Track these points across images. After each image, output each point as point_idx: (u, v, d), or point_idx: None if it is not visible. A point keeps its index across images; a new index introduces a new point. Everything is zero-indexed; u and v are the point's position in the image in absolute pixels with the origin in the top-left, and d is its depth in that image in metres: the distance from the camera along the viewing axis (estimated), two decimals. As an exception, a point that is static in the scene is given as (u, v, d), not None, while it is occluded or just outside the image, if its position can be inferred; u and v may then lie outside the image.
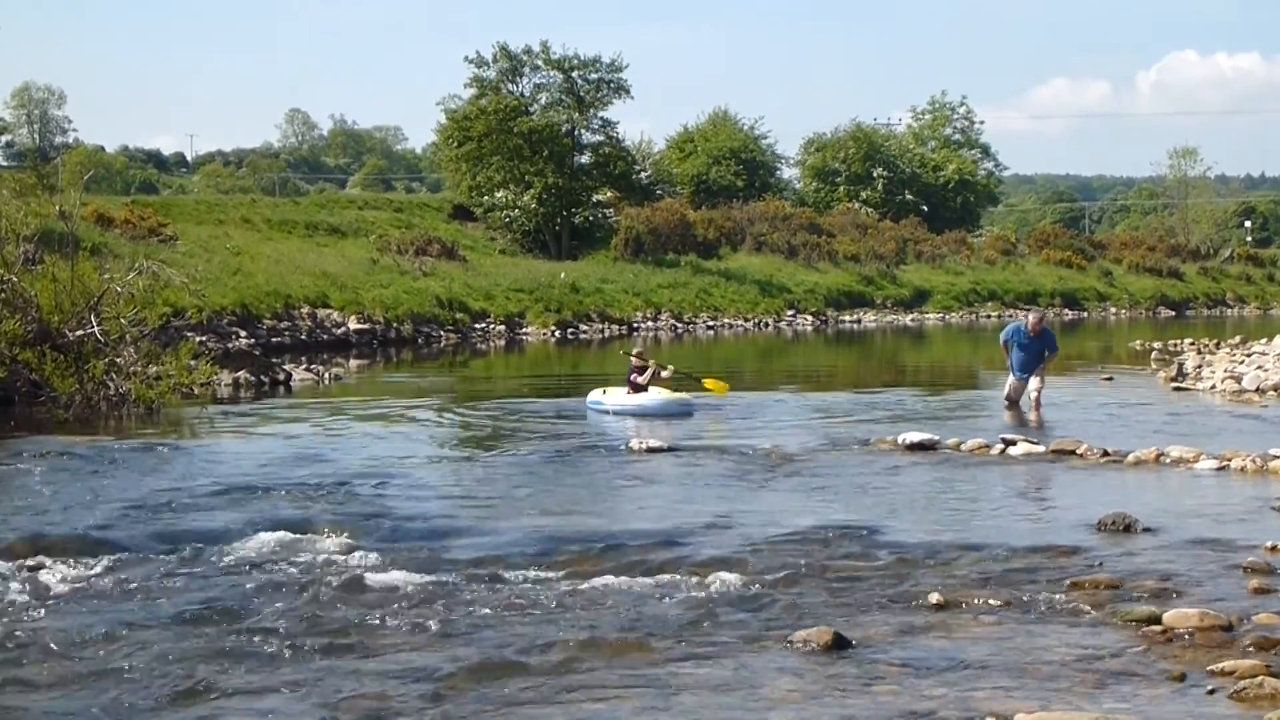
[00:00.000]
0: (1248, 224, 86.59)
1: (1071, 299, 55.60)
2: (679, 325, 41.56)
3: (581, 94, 50.25)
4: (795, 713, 5.46)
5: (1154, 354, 27.19)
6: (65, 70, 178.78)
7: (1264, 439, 12.61)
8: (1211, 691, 5.56)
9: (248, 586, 7.43)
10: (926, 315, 50.10)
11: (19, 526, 9.02)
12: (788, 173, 71.83)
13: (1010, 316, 45.14)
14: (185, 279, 20.19)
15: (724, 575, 7.57)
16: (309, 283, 33.81)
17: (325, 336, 31.69)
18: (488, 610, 6.96)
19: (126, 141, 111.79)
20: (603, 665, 6.06)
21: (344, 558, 8.10)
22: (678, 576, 7.63)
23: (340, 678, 5.90)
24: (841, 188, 67.95)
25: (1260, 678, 5.51)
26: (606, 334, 38.38)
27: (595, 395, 16.87)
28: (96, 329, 16.93)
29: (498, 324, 37.02)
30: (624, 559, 8.07)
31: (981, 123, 73.31)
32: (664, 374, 16.78)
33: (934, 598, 7.04)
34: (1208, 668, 5.82)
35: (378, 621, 6.73)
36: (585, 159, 51.32)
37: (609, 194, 51.54)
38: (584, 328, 38.78)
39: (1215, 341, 29.47)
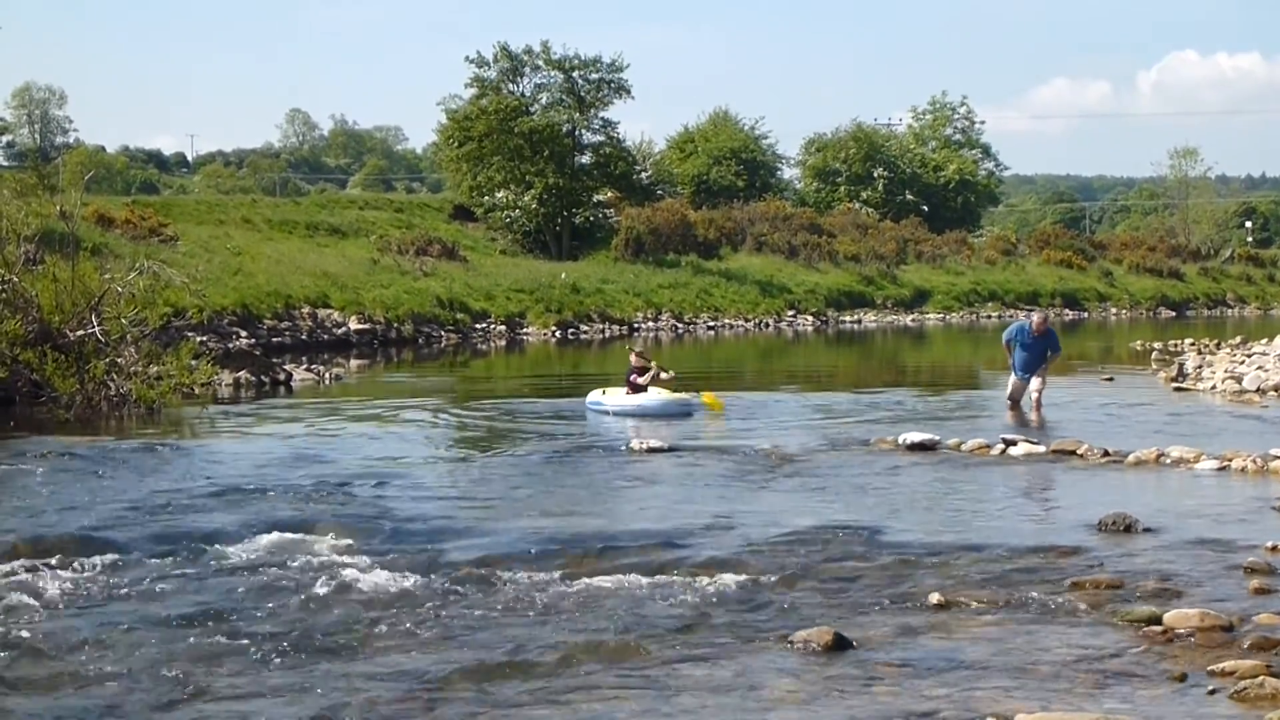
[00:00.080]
0: (1248, 224, 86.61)
1: (1072, 299, 55.60)
2: (679, 326, 41.56)
3: (582, 94, 50.25)
4: (795, 713, 5.46)
5: (1154, 354, 27.19)
6: (66, 70, 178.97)
7: (1264, 439, 12.61)
8: (1212, 692, 5.56)
9: (247, 588, 7.43)
10: (927, 315, 50.10)
11: (19, 527, 9.02)
12: (788, 173, 71.95)
13: (1011, 317, 45.15)
14: (186, 279, 20.20)
15: (724, 576, 7.57)
16: (309, 283, 33.82)
17: (326, 337, 31.71)
18: (487, 611, 6.96)
19: (127, 142, 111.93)
20: (603, 666, 6.06)
21: (343, 559, 8.10)
22: (678, 577, 7.62)
23: (339, 679, 5.89)
24: (842, 188, 67.94)
25: (1261, 678, 5.51)
26: (607, 334, 38.39)
27: (595, 396, 16.87)
28: (97, 329, 16.94)
29: (498, 324, 37.03)
30: (624, 559, 8.07)
31: (982, 123, 73.40)
32: (664, 376, 16.75)
33: (934, 598, 7.04)
34: (1208, 668, 5.82)
35: (377, 623, 6.73)
36: (586, 159, 51.32)
37: (609, 194, 51.54)
38: (584, 328, 38.79)
39: (1216, 342, 29.46)
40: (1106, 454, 11.97)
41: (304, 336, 31.02)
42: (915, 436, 12.90)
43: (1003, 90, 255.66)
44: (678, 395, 16.45)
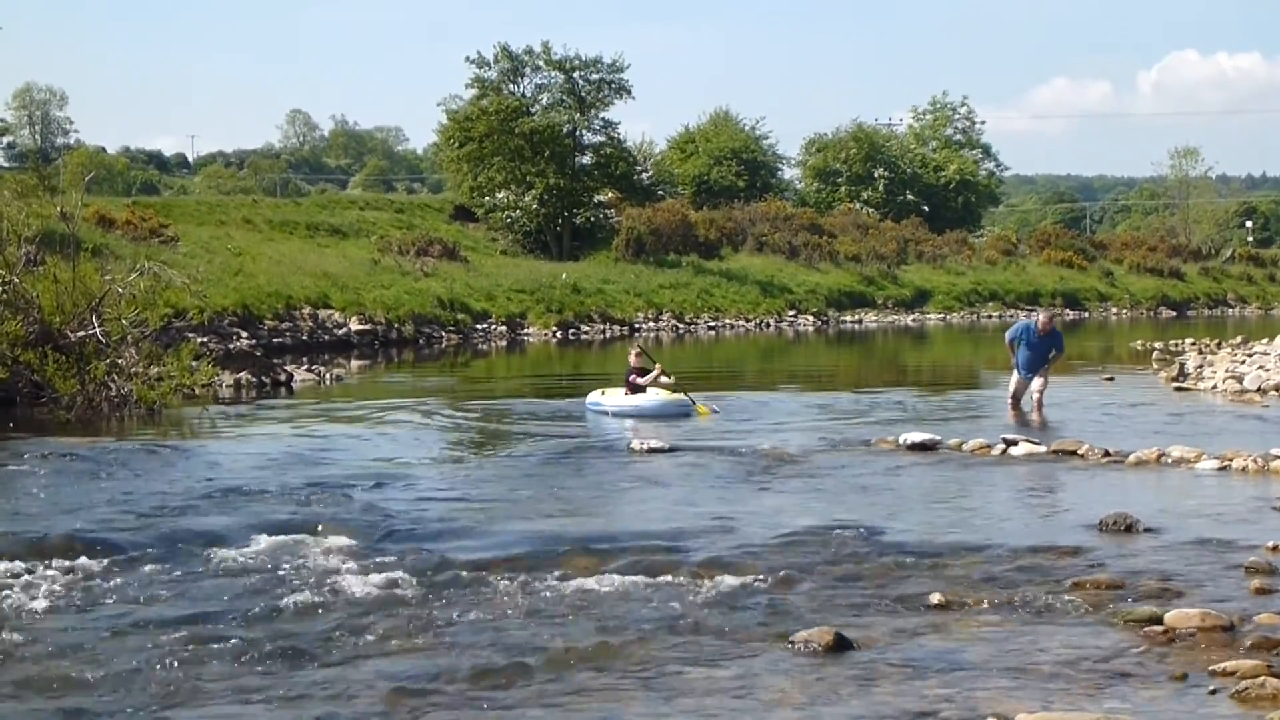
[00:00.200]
0: (1249, 224, 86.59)
1: (1072, 299, 55.59)
2: (680, 326, 41.57)
3: (583, 94, 50.23)
4: (796, 713, 5.46)
5: (1155, 354, 27.19)
6: (66, 71, 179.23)
7: (1265, 439, 12.61)
8: (1213, 692, 5.56)
9: (246, 590, 7.43)
10: (927, 315, 50.10)
11: (20, 527, 9.01)
12: (789, 173, 71.90)
13: (1012, 317, 45.14)
14: (186, 280, 20.21)
15: (724, 576, 7.57)
16: (310, 283, 33.82)
17: (326, 337, 31.71)
18: (487, 612, 6.96)
19: (128, 142, 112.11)
20: (603, 666, 6.06)
21: (343, 560, 8.10)
22: (678, 578, 7.62)
23: (337, 681, 5.89)
24: (843, 188, 67.93)
25: (1262, 678, 5.51)
26: (608, 335, 38.40)
27: (594, 396, 16.87)
28: (98, 330, 16.94)
29: (499, 325, 37.03)
30: (624, 560, 8.07)
31: (982, 123, 73.34)
32: (664, 380, 16.73)
33: (935, 598, 7.04)
34: (1209, 668, 5.81)
35: (377, 624, 6.73)
36: (586, 159, 51.30)
37: (610, 194, 51.54)
38: (585, 328, 38.79)
39: (1216, 341, 29.47)
40: (1107, 454, 11.97)
41: (305, 337, 31.02)
42: (916, 436, 12.90)
43: (1003, 90, 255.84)
44: (676, 396, 16.44)
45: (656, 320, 41.49)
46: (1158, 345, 29.48)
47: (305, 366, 23.28)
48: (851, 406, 17.61)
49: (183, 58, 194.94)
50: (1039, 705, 5.38)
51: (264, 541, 8.55)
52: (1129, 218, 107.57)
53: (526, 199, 48.61)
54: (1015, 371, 16.53)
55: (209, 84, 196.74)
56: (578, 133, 50.56)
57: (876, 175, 67.53)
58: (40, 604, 7.11)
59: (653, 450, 12.80)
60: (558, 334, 37.45)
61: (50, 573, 7.76)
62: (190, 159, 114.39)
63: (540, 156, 48.56)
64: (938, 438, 12.90)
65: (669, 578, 7.61)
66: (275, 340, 29.56)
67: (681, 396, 16.42)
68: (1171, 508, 9.53)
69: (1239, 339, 29.42)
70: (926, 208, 65.99)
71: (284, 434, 14.95)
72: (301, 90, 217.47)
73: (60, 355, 16.46)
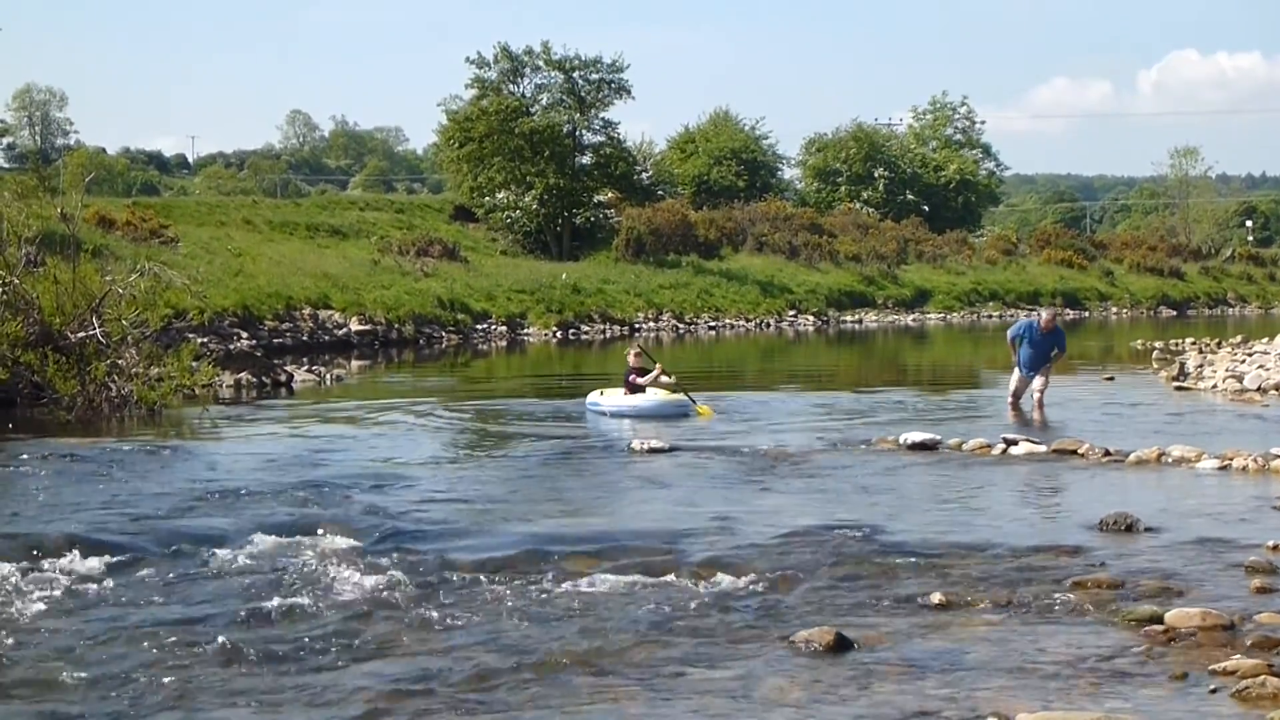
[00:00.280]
0: (1249, 223, 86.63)
1: (1073, 299, 55.60)
2: (680, 326, 41.57)
3: (583, 94, 50.25)
4: (796, 713, 5.46)
5: (1155, 353, 27.19)
6: (67, 72, 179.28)
7: (1265, 438, 12.61)
8: (1214, 691, 5.55)
9: (246, 590, 7.42)
10: (928, 315, 50.11)
11: (20, 528, 9.01)
12: (789, 173, 71.95)
13: (1012, 317, 45.14)
14: (187, 280, 20.21)
15: (725, 576, 7.57)
16: (310, 284, 33.83)
17: (327, 338, 31.72)
18: (487, 612, 6.96)
19: (128, 143, 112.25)
20: (603, 666, 6.06)
21: (343, 561, 8.09)
22: (678, 577, 7.62)
23: (338, 681, 5.89)
24: (843, 188, 67.95)
25: (1263, 677, 5.51)
26: (608, 335, 38.40)
27: (593, 397, 16.87)
28: (98, 331, 16.94)
29: (499, 325, 37.04)
30: (625, 560, 8.07)
31: (982, 123, 73.40)
32: (664, 379, 16.72)
33: (936, 598, 7.04)
34: (1210, 667, 5.81)
35: (376, 624, 6.72)
36: (586, 160, 51.32)
37: (610, 195, 51.54)
38: (585, 328, 38.80)
39: (1217, 341, 29.47)
40: (1107, 453, 11.96)
41: (305, 337, 31.03)
42: (916, 436, 12.90)
43: (1003, 90, 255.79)
44: (674, 396, 16.43)
45: (656, 320, 41.49)
46: (1158, 345, 29.49)
47: (305, 367, 23.29)
48: (852, 406, 17.61)
49: (183, 58, 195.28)
50: (1039, 705, 5.38)
51: (264, 542, 8.54)
52: (1129, 217, 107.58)
53: (526, 199, 48.62)
54: (1016, 369, 16.53)
55: (209, 84, 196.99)
56: (578, 133, 50.58)
57: (876, 175, 67.55)
58: (39, 605, 7.11)
59: (653, 450, 12.80)
60: (558, 334, 37.46)
61: (50, 573, 7.75)
62: (190, 160, 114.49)
63: (540, 156, 48.57)
64: (938, 437, 12.90)
65: (669, 578, 7.60)
66: (275, 341, 29.57)
67: (680, 396, 16.42)
68: (1172, 507, 9.53)
69: (1239, 338, 29.42)
70: (926, 207, 66.02)
71: (284, 434, 14.96)
72: (301, 91, 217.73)
73: (61, 356, 16.46)
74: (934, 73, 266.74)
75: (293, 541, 8.59)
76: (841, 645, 6.23)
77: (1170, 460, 11.59)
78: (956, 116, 72.44)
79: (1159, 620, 6.50)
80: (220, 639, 6.40)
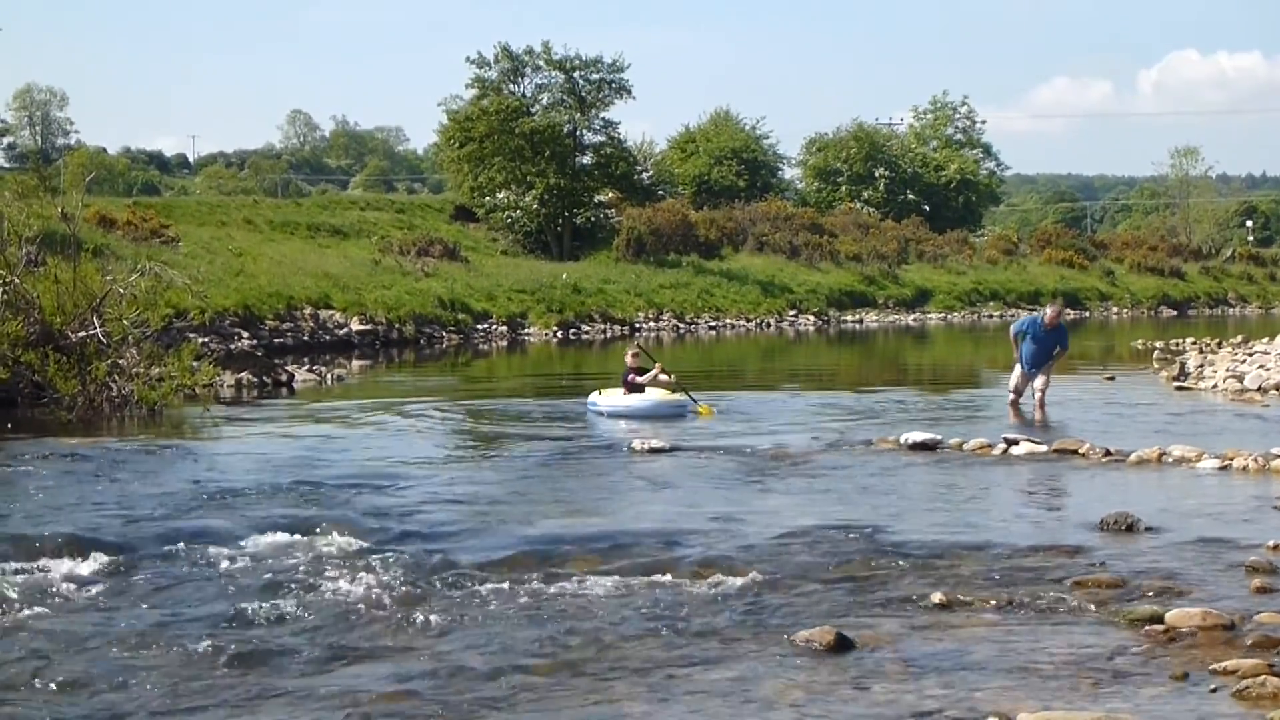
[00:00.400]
0: (1249, 223, 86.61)
1: (1073, 299, 55.52)
2: (681, 326, 41.57)
3: (583, 94, 50.25)
4: (797, 713, 5.46)
5: (1156, 353, 27.18)
6: (67, 72, 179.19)
7: (1266, 438, 12.61)
8: (1214, 690, 5.56)
9: (245, 590, 7.42)
10: (928, 315, 50.11)
11: (21, 528, 9.01)
12: (789, 173, 71.94)
13: (1013, 316, 45.13)
14: (187, 280, 20.20)
15: (725, 576, 7.57)
16: (311, 284, 33.83)
17: (327, 337, 31.72)
18: (487, 612, 6.96)
19: (128, 143, 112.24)
20: (604, 666, 6.06)
21: (343, 561, 8.10)
22: (679, 577, 7.62)
23: (338, 681, 5.90)
24: (843, 188, 67.94)
25: (1263, 677, 5.51)
26: (608, 335, 38.40)
27: (593, 397, 16.87)
28: (99, 330, 16.94)
29: (500, 325, 37.04)
30: (625, 559, 8.07)
31: (983, 122, 73.40)
32: (664, 377, 16.71)
33: (936, 597, 7.04)
34: (1210, 667, 5.81)
35: (375, 624, 6.73)
36: (587, 159, 51.32)
37: (610, 194, 51.54)
38: (586, 328, 38.80)
39: (1217, 341, 29.47)
40: (1108, 453, 11.96)
41: (306, 337, 31.03)
42: (917, 436, 12.89)
43: (1004, 90, 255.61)
44: (671, 396, 16.42)
45: (657, 320, 41.49)
46: (1158, 344, 29.47)
47: (306, 367, 23.29)
48: (852, 406, 17.61)
49: (183, 58, 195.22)
50: (1040, 705, 5.38)
51: (264, 542, 8.55)
52: (1129, 217, 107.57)
53: (527, 199, 48.63)
54: (1018, 365, 16.51)
55: (210, 84, 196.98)
56: (578, 133, 50.58)
57: (877, 175, 67.55)
58: (38, 605, 7.11)
59: (653, 450, 12.80)
60: (558, 334, 37.46)
61: (49, 573, 7.76)
62: (191, 159, 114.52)
63: (541, 156, 48.58)
64: (939, 437, 12.90)
65: (669, 578, 7.61)
66: (276, 340, 29.57)
67: (679, 396, 16.41)
68: (1172, 507, 9.53)
69: (1240, 338, 29.42)
70: (927, 207, 66.01)
71: (285, 434, 14.96)
72: (302, 90, 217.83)
73: (61, 356, 16.46)
74: (934, 72, 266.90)
75: (293, 541, 8.60)
76: (842, 645, 6.23)
77: (1171, 460, 11.59)
78: (957, 116, 72.48)
79: (1159, 620, 6.50)
80: (217, 640, 6.40)
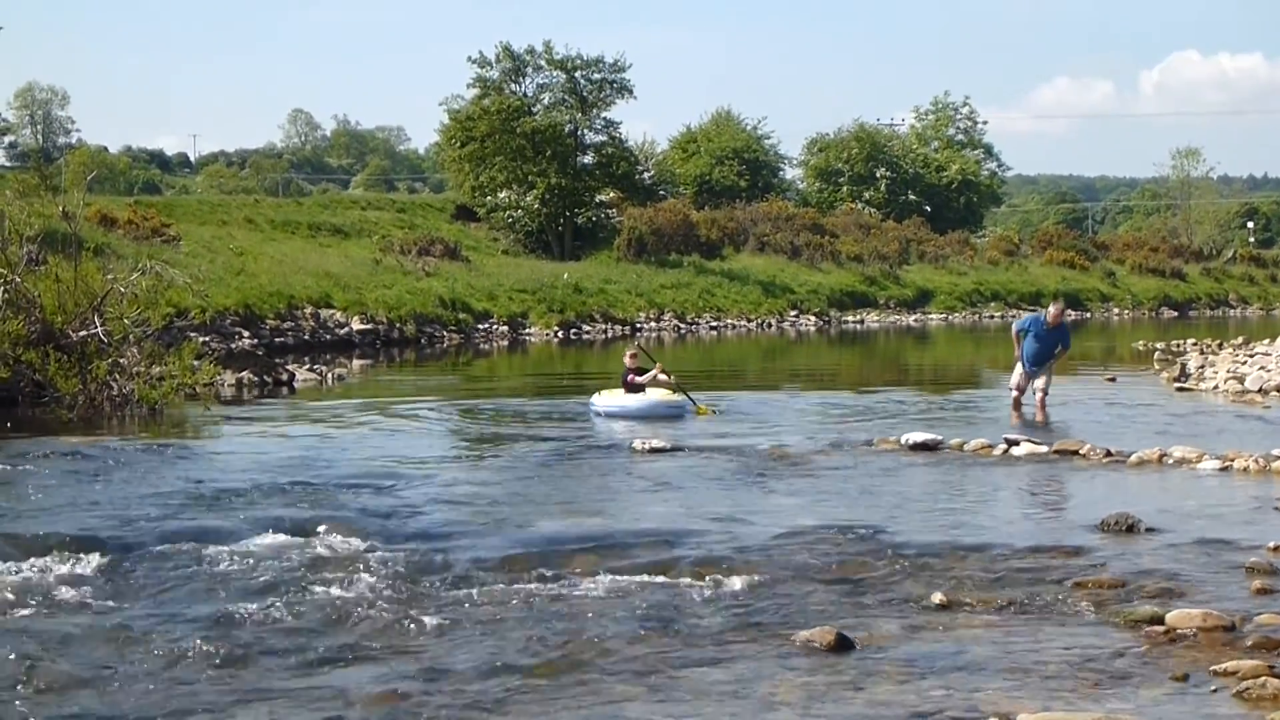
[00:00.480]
0: (1250, 225, 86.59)
1: (1075, 300, 55.51)
2: (682, 326, 41.57)
3: (584, 94, 50.27)
4: (797, 713, 5.45)
5: (1157, 354, 27.18)
6: (68, 71, 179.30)
7: (1267, 439, 12.60)
8: (1214, 691, 5.56)
9: (246, 590, 7.42)
10: (929, 316, 50.12)
11: (21, 527, 9.01)
12: (791, 173, 72.00)
13: (1014, 317, 45.14)
14: (188, 279, 20.22)
15: (725, 576, 7.57)
16: (312, 283, 33.84)
17: (328, 337, 31.72)
18: (487, 612, 6.95)
19: (130, 142, 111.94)
20: (603, 666, 6.05)
21: (343, 560, 8.09)
22: (679, 577, 7.62)
23: (337, 681, 5.89)
24: (844, 188, 67.96)
25: (1263, 678, 5.51)
26: (609, 335, 38.40)
27: (594, 397, 16.86)
28: (100, 329, 16.94)
29: (501, 324, 37.04)
30: (625, 559, 8.07)
31: (984, 123, 73.45)
32: (663, 378, 16.70)
33: (937, 598, 7.04)
34: (1210, 668, 5.81)
35: (375, 624, 6.72)
36: (588, 159, 51.34)
37: (612, 194, 51.56)
38: (587, 328, 38.80)
39: (1218, 342, 29.46)
40: (1109, 454, 11.96)
41: (307, 337, 31.04)
42: (918, 436, 12.89)
43: (1005, 90, 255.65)
44: (672, 396, 16.41)
45: (658, 320, 41.50)
46: (1159, 345, 29.47)
47: (307, 366, 23.29)
48: (853, 406, 17.61)
49: (184, 57, 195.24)
50: (1040, 705, 5.38)
51: (263, 541, 8.54)
52: (1131, 218, 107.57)
53: (528, 199, 48.64)
54: (1019, 363, 16.48)
55: (210, 83, 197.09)
56: (579, 132, 50.60)
57: (878, 175, 67.58)
58: (40, 604, 7.11)
59: (654, 450, 12.79)
60: (559, 334, 37.46)
61: (49, 573, 7.75)
62: (192, 158, 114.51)
63: (542, 156, 48.59)
64: (939, 438, 12.89)
65: (669, 578, 7.60)
66: (277, 340, 29.58)
67: (677, 397, 16.41)
68: (1173, 508, 9.52)
69: (1240, 339, 29.42)
70: (928, 208, 66.05)
71: (285, 434, 14.96)
72: (303, 90, 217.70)
73: (62, 355, 16.46)
74: (936, 73, 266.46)
75: (293, 541, 8.59)
76: (842, 645, 6.23)
77: (1171, 461, 11.58)
78: (958, 117, 72.53)
79: (1160, 621, 6.50)
80: (213, 640, 6.40)
